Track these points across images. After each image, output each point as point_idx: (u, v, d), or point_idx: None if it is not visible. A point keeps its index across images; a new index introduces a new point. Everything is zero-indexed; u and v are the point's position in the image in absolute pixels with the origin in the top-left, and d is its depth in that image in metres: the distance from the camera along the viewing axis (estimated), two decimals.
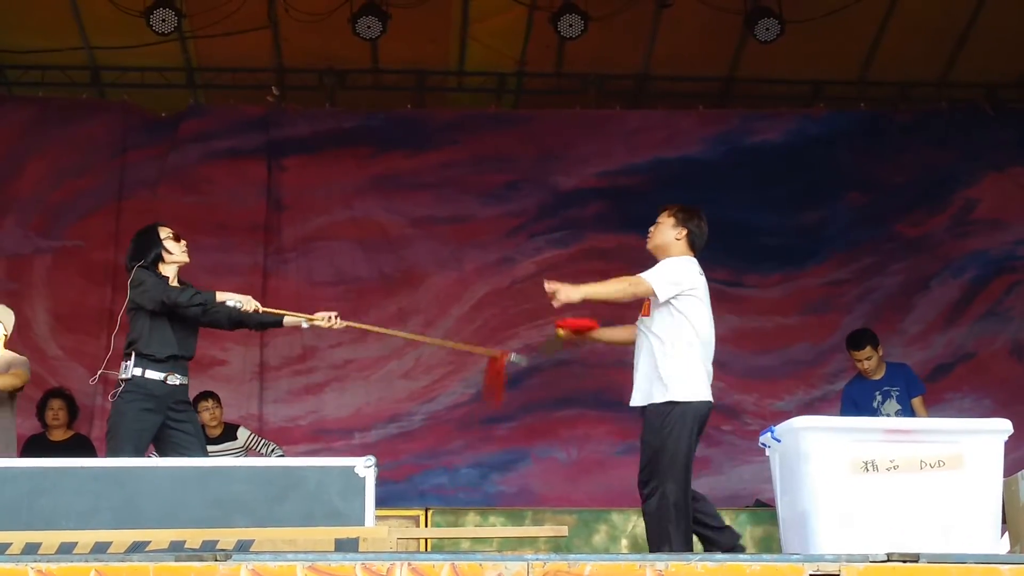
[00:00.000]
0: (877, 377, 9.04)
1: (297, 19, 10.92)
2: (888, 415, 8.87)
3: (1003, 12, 11.26)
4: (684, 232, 6.83)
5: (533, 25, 11.45)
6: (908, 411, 8.88)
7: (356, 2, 10.84)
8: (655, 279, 6.59)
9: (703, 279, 6.77)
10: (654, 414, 6.52)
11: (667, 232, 6.86)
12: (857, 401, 9.05)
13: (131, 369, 6.89)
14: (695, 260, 6.83)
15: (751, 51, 11.59)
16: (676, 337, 6.59)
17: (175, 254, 7.19)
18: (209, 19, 10.94)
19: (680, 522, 6.34)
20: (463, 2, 11.22)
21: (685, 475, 6.42)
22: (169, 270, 7.17)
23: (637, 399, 6.67)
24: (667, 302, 6.59)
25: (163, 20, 10.67)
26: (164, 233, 7.22)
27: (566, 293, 6.57)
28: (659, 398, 6.53)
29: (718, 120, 12.25)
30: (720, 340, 11.50)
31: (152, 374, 6.90)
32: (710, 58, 11.98)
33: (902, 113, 12.31)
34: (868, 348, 9.04)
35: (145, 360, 6.90)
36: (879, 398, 8.96)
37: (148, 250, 7.16)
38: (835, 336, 11.75)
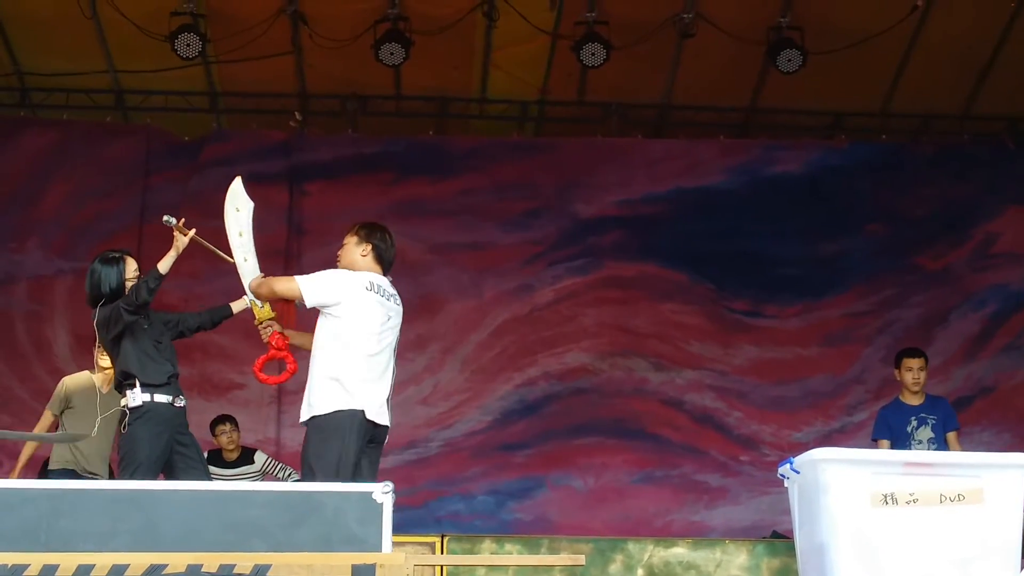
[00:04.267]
0: (916, 403, 9.00)
1: (321, 45, 10.98)
2: (920, 441, 8.80)
3: None
4: (368, 248, 6.80)
5: (555, 53, 11.48)
6: (942, 442, 8.82)
7: (379, 28, 10.89)
8: (304, 284, 6.67)
9: (373, 295, 6.67)
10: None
11: (352, 251, 6.83)
12: (892, 424, 8.96)
13: (139, 396, 6.89)
14: (373, 274, 6.73)
15: (773, 82, 11.61)
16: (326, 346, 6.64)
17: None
18: (233, 44, 10.99)
19: None
20: (486, 30, 11.25)
21: None
22: None
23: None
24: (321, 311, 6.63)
25: (187, 45, 10.72)
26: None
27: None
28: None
29: (739, 150, 12.25)
30: (738, 370, 11.74)
31: (161, 398, 6.91)
32: (732, 88, 12.00)
33: (924, 145, 12.31)
34: (923, 359, 8.99)
35: (150, 386, 6.90)
36: (914, 423, 8.90)
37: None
38: (854, 368, 11.74)
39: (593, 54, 10.90)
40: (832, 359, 11.82)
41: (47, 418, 8.69)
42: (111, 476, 8.69)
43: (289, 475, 10.17)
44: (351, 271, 6.77)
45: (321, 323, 6.72)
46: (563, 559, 6.41)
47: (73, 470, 8.37)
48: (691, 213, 11.95)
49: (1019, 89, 11.77)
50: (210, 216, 11.66)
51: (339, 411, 6.54)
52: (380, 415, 6.67)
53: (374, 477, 6.70)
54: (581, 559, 6.26)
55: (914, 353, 9.13)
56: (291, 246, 11.80)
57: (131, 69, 11.61)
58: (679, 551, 9.56)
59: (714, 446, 11.62)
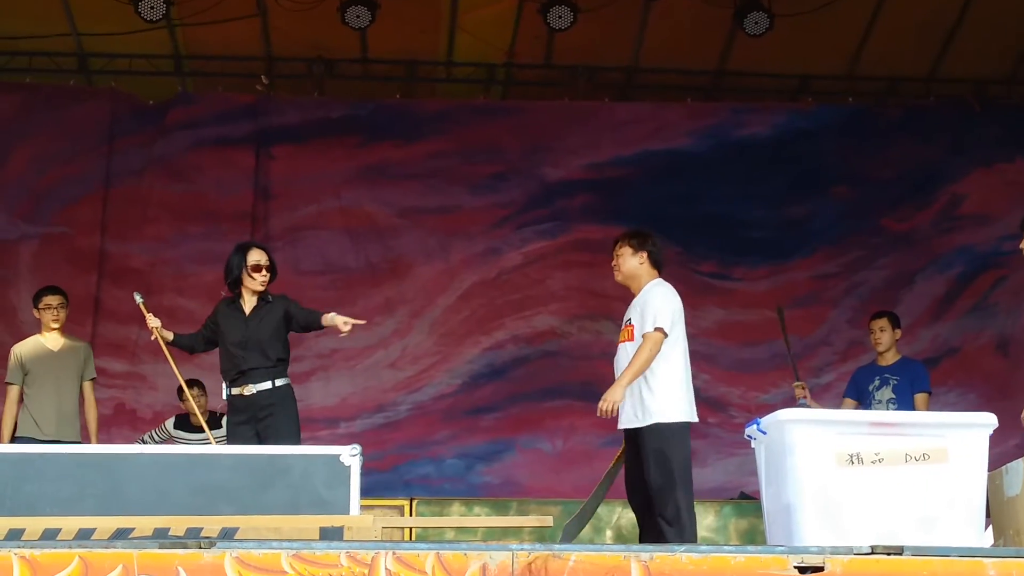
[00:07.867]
0: (885, 364, 9.12)
1: (286, 7, 10.90)
2: (880, 401, 8.95)
3: (991, 8, 11.28)
4: (645, 255, 7.25)
5: (522, 16, 11.44)
6: (905, 403, 8.92)
7: None
8: (663, 322, 6.93)
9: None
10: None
11: (630, 260, 7.27)
12: (859, 382, 9.22)
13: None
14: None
15: (740, 44, 11.60)
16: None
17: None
18: (198, 6, 10.91)
19: None
20: None
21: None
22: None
23: None
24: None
25: (152, 7, 10.66)
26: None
27: (612, 398, 7.14)
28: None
29: (706, 113, 12.25)
30: (706, 333, 11.78)
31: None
32: (699, 51, 11.98)
33: (890, 108, 12.33)
34: (884, 319, 9.17)
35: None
36: (877, 382, 9.05)
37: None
38: (821, 330, 11.80)
39: (560, 17, 10.88)
40: (799, 321, 11.82)
41: (14, 391, 8.71)
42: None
43: None
44: (669, 287, 7.15)
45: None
46: (531, 521, 6.45)
47: (33, 438, 8.42)
48: (658, 176, 11.94)
49: (985, 51, 11.80)
50: (175, 179, 11.71)
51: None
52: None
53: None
54: (549, 521, 6.30)
55: (876, 315, 9.32)
56: (258, 210, 11.76)
57: (95, 32, 11.50)
58: None
59: None
